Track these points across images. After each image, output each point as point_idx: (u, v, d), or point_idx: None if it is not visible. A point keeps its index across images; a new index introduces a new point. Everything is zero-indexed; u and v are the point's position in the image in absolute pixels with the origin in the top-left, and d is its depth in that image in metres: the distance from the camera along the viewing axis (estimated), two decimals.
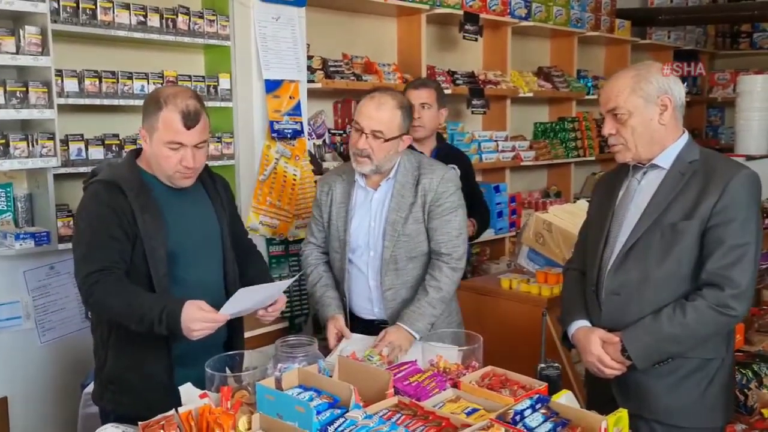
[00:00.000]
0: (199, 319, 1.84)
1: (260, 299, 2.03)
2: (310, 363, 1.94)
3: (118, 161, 2.13)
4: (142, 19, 2.97)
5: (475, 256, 4.50)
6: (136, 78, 2.98)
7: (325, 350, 2.27)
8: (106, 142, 2.92)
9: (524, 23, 4.77)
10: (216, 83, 3.25)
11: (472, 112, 4.40)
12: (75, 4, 2.77)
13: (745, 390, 2.76)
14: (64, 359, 2.89)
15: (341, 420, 1.61)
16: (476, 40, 4.37)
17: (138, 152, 2.08)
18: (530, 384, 1.88)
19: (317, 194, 2.51)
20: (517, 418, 1.64)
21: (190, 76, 3.17)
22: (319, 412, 1.63)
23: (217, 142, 3.28)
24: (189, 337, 1.85)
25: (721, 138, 6.99)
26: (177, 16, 3.08)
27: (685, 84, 2.04)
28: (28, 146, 2.61)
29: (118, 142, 2.96)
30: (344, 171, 2.49)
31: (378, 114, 2.26)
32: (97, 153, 2.88)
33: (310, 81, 3.50)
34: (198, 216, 2.10)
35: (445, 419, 1.67)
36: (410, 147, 2.44)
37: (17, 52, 2.55)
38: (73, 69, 2.82)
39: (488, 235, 4.40)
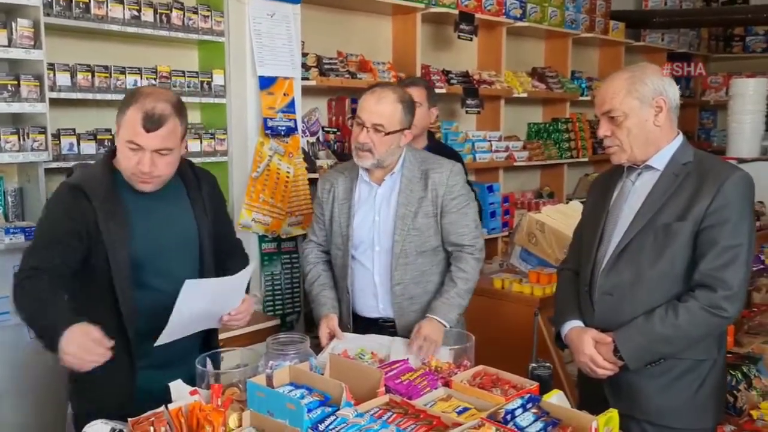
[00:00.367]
0: (78, 344, 1.68)
1: (215, 301, 1.93)
2: (301, 360, 1.94)
3: (94, 161, 2.06)
4: (136, 13, 2.95)
5: None
6: (129, 73, 2.96)
7: (317, 349, 2.26)
8: (98, 136, 2.90)
9: (519, 24, 4.78)
10: (210, 79, 3.24)
11: (467, 112, 4.40)
12: None
13: (735, 391, 2.78)
14: (53, 355, 2.86)
15: (332, 418, 1.61)
16: (471, 39, 4.37)
17: (115, 151, 1.99)
18: (521, 383, 1.88)
19: (318, 192, 2.51)
20: (508, 417, 1.64)
21: (183, 72, 3.15)
22: (310, 410, 1.63)
23: (210, 138, 3.27)
24: (65, 364, 1.70)
25: (713, 141, 7.02)
26: (171, 11, 3.07)
27: (678, 86, 2.05)
28: (19, 140, 2.59)
29: (111, 137, 2.94)
30: (346, 168, 2.49)
31: (378, 108, 2.27)
32: (89, 148, 2.86)
33: (304, 78, 3.49)
34: (173, 219, 2.01)
35: (436, 418, 1.67)
36: None
37: (9, 45, 2.53)
38: (65, 63, 2.80)
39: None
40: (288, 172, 3.35)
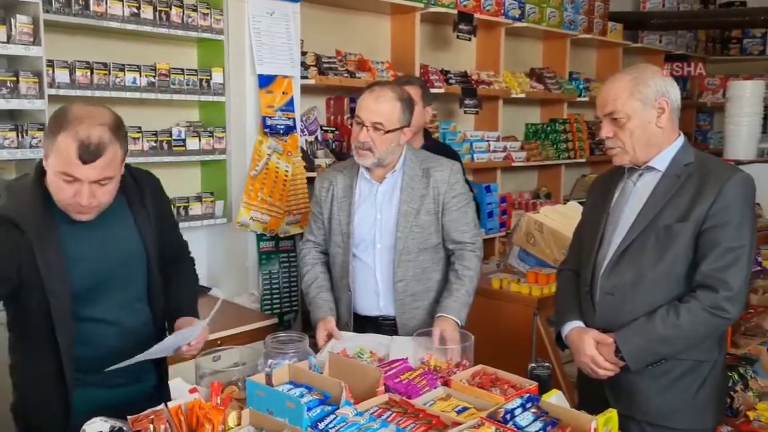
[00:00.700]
0: None
1: (182, 338, 1.87)
2: (300, 359, 1.94)
3: (23, 181, 1.80)
4: (136, 10, 2.94)
5: None
6: (128, 70, 2.95)
7: (315, 349, 2.26)
8: None
9: (518, 24, 4.78)
10: (209, 77, 3.23)
11: (465, 112, 4.41)
12: None
13: (731, 392, 2.78)
14: None
15: (332, 416, 1.61)
16: (470, 39, 4.37)
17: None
18: (520, 383, 1.88)
19: (316, 190, 2.51)
20: (508, 417, 1.64)
21: (182, 70, 3.15)
22: (309, 409, 1.63)
23: (209, 136, 3.27)
24: None
25: (710, 143, 7.04)
26: (170, 9, 3.06)
27: None
28: (18, 136, 2.59)
29: None
30: (345, 167, 2.50)
31: (377, 106, 2.28)
32: None
33: (303, 77, 3.48)
34: (116, 240, 1.85)
35: (435, 417, 1.67)
36: None
37: (8, 41, 2.52)
38: (64, 60, 2.79)
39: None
40: (286, 171, 3.35)
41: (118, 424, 1.56)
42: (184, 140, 3.17)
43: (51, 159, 1.67)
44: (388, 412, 1.70)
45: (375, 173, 2.40)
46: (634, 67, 2.00)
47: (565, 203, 4.07)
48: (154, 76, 3.03)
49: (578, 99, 5.45)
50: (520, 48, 5.26)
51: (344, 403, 1.66)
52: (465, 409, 1.74)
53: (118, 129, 1.72)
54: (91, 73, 2.84)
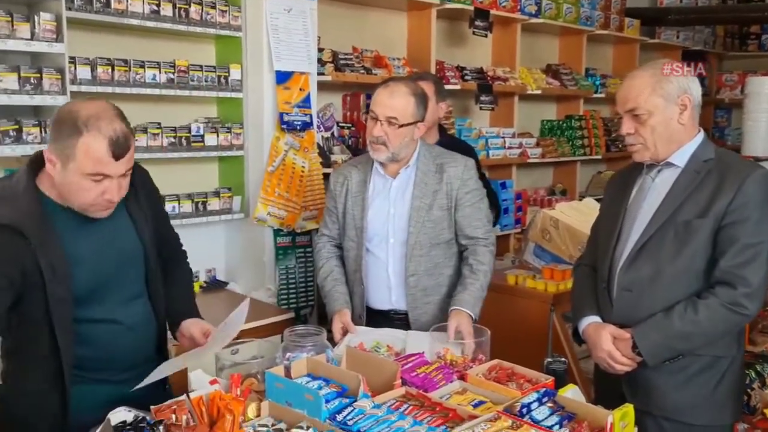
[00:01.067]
0: None
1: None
2: (318, 353, 1.96)
3: (13, 185, 1.72)
4: (155, 8, 2.98)
5: None
6: (148, 67, 2.99)
7: (332, 343, 2.28)
8: None
9: (534, 20, 4.77)
10: (227, 73, 3.26)
11: (480, 108, 4.41)
12: None
13: (749, 390, 2.77)
14: None
15: (350, 409, 1.63)
16: (486, 36, 4.37)
17: (37, 169, 1.75)
18: (537, 378, 1.89)
19: (331, 185, 2.53)
20: (524, 411, 1.65)
21: (201, 66, 3.18)
22: (327, 401, 1.65)
23: (227, 132, 3.30)
24: None
25: (727, 139, 6.98)
26: (189, 6, 3.09)
27: None
28: (41, 132, 2.63)
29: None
30: (360, 162, 2.52)
31: (391, 101, 2.30)
32: None
33: (320, 73, 3.50)
34: (115, 242, 1.82)
35: (452, 410, 1.69)
36: None
37: (32, 39, 2.56)
38: (86, 57, 2.83)
39: (494, 231, 4.40)
40: (303, 167, 3.37)
41: (141, 414, 1.59)
42: (202, 136, 3.21)
43: (73, 164, 1.63)
44: (405, 405, 1.72)
45: (389, 168, 2.43)
46: (654, 63, 1.99)
47: (580, 200, 4.05)
48: (173, 73, 3.07)
49: (594, 95, 5.42)
50: (536, 44, 5.25)
51: (362, 395, 1.68)
52: (481, 402, 1.75)
53: (124, 116, 1.70)
54: (112, 69, 2.89)
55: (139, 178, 1.91)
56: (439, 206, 2.39)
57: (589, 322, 2.06)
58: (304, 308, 3.47)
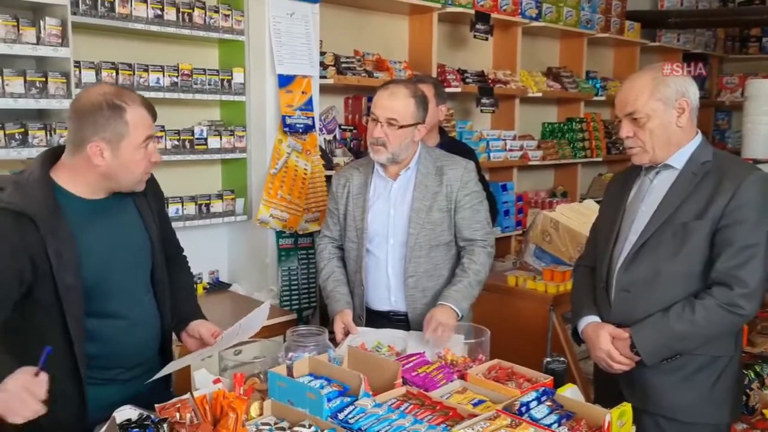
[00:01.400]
0: (14, 392, 1.50)
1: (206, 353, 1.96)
2: (320, 352, 1.98)
3: (26, 176, 1.77)
4: (159, 12, 3.01)
5: None
6: (152, 70, 3.02)
7: (334, 344, 2.30)
8: None
9: (534, 24, 4.79)
10: (230, 77, 3.29)
11: (481, 111, 4.43)
12: None
13: (747, 390, 2.80)
14: None
15: (351, 407, 1.66)
16: (487, 39, 4.40)
17: (52, 162, 1.81)
18: (536, 377, 1.92)
19: (333, 187, 2.56)
20: (523, 409, 1.68)
21: (204, 70, 3.21)
22: (329, 400, 1.67)
23: (230, 135, 3.33)
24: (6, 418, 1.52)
25: (728, 142, 6.99)
26: (193, 10, 3.12)
27: None
28: (46, 135, 2.66)
29: None
30: (361, 164, 2.55)
31: (391, 103, 2.33)
32: None
33: (322, 77, 3.53)
34: (123, 236, 1.87)
35: (452, 409, 1.71)
36: None
37: (38, 43, 2.59)
38: (90, 60, 2.86)
39: (495, 233, 4.42)
40: (305, 169, 3.40)
41: (145, 412, 1.61)
42: (205, 139, 3.24)
43: (127, 139, 1.74)
44: (406, 404, 1.74)
45: (390, 170, 2.45)
46: (652, 67, 2.01)
47: (581, 202, 4.08)
48: (176, 77, 3.10)
49: (595, 98, 5.44)
50: (537, 47, 5.28)
51: (363, 394, 1.70)
52: (481, 402, 1.78)
53: None
54: (117, 73, 2.91)
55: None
56: (439, 208, 2.41)
57: (588, 322, 2.08)
58: (307, 310, 3.50)
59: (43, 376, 1.54)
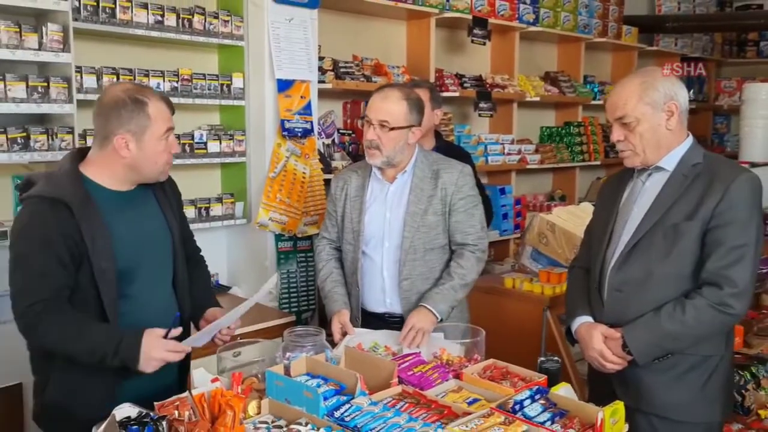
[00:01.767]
0: (161, 347, 1.79)
1: (223, 324, 2.07)
2: (317, 352, 2.01)
3: (57, 171, 1.90)
4: (160, 18, 3.04)
5: None
6: (152, 75, 3.06)
7: (330, 344, 2.32)
8: None
9: (532, 28, 4.83)
10: (229, 82, 3.33)
11: (480, 115, 4.46)
12: (95, 3, 2.84)
13: (743, 391, 2.81)
14: None
15: (347, 406, 1.68)
16: (484, 44, 4.43)
17: (81, 157, 1.93)
18: (530, 376, 1.94)
19: (332, 189, 2.59)
20: (517, 407, 1.70)
21: (204, 75, 3.24)
22: (326, 398, 1.70)
23: (229, 139, 3.36)
24: (145, 370, 1.78)
25: (726, 145, 7.02)
26: (193, 16, 3.16)
27: (691, 91, 2.09)
28: (48, 140, 2.69)
29: None
30: (359, 167, 2.58)
31: (383, 105, 2.36)
32: None
33: (320, 81, 3.57)
34: (147, 226, 1.98)
35: (447, 408, 1.73)
36: None
37: (40, 49, 2.63)
38: (92, 66, 2.90)
39: (493, 236, 4.45)
40: (304, 173, 3.43)
41: (145, 410, 1.64)
42: (205, 143, 3.27)
43: (150, 131, 1.86)
44: (402, 403, 1.77)
45: (386, 173, 2.48)
46: (642, 71, 2.05)
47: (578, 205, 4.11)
48: (177, 81, 3.14)
49: (593, 102, 5.47)
50: (535, 52, 5.31)
51: (359, 393, 1.73)
52: (476, 400, 1.80)
53: None
54: (117, 78, 2.95)
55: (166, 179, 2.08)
56: (434, 211, 2.43)
57: (582, 322, 2.10)
58: (306, 312, 3.52)
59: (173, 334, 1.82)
